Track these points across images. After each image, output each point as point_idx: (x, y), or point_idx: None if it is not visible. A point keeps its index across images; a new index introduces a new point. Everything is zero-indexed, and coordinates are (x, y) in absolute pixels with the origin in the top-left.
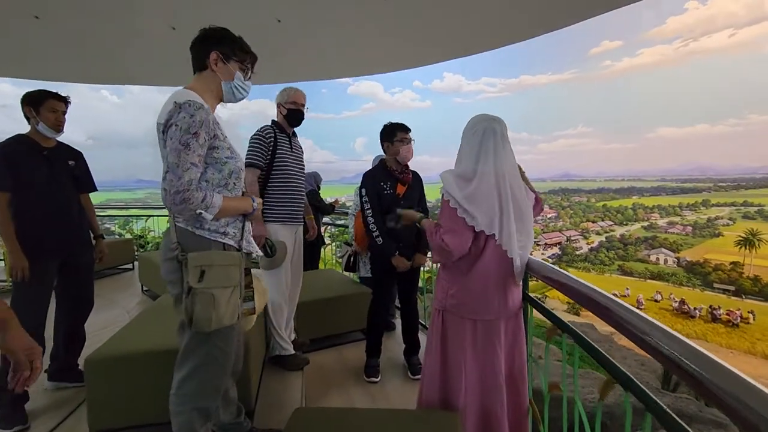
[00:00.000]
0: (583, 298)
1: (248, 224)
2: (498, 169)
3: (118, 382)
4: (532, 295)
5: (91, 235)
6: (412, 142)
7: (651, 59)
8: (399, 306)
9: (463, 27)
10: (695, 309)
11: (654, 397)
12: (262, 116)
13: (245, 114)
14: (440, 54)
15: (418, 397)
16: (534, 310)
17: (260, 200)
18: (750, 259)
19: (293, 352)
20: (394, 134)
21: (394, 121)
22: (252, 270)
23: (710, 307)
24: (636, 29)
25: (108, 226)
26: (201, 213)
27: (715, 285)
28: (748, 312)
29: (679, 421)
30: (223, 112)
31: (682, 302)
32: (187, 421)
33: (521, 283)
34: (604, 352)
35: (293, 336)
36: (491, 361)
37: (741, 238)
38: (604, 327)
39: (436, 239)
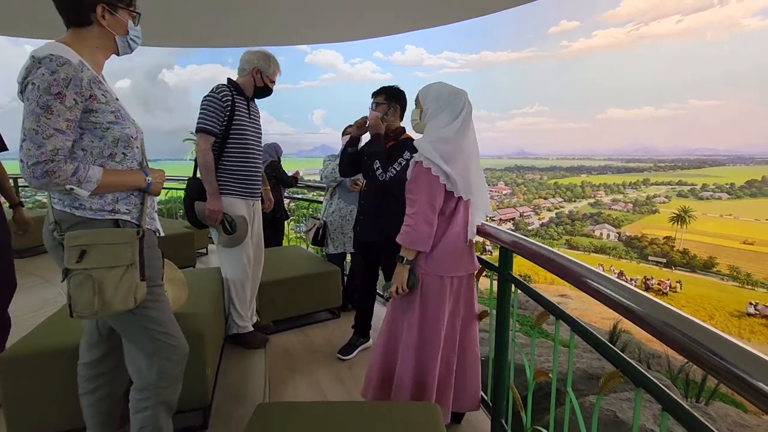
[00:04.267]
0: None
1: (153, 199)
2: (471, 144)
3: (41, 383)
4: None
5: (6, 205)
6: (381, 105)
7: (604, 41)
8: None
9: None
10: (632, 280)
11: (672, 395)
12: (213, 83)
13: (195, 80)
14: (402, 24)
15: (373, 371)
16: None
17: (160, 173)
18: (681, 234)
19: (251, 329)
20: None
21: (352, 92)
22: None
23: (644, 277)
24: (592, 10)
25: (41, 197)
26: (72, 189)
27: (650, 258)
28: (676, 282)
29: (704, 421)
30: (170, 77)
31: (621, 273)
32: (153, 417)
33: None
34: (606, 341)
35: (255, 318)
36: (457, 315)
37: (674, 215)
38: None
39: (420, 225)
